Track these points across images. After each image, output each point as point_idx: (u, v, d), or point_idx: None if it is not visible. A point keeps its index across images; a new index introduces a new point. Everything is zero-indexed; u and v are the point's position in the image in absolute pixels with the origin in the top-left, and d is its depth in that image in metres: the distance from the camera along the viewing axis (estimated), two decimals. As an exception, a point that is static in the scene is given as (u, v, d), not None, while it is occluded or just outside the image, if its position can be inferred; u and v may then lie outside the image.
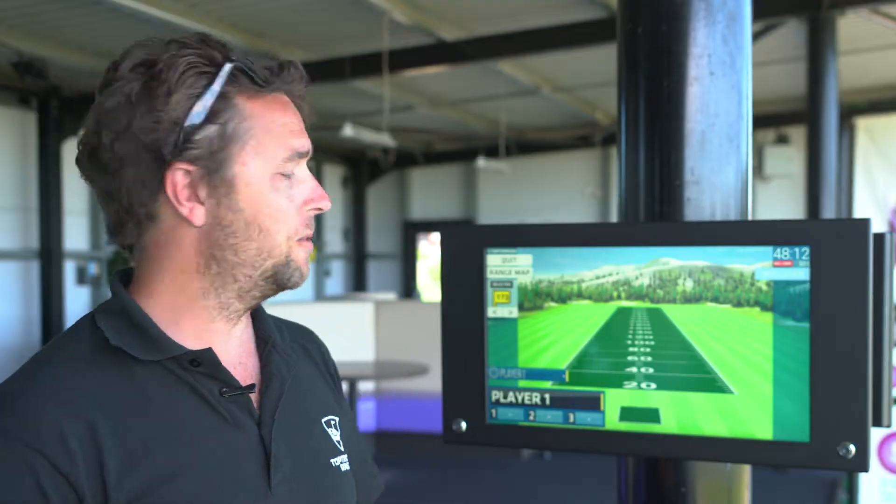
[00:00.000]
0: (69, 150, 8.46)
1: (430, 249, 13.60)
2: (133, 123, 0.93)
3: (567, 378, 1.35)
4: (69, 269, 8.73)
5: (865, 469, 1.20)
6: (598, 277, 1.32)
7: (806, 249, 1.21)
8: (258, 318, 1.09)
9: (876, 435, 3.50)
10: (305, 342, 1.18)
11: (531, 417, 1.37)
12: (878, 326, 1.26)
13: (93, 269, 9.04)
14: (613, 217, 11.28)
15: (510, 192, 11.90)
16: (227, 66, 0.96)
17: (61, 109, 8.19)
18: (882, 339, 1.28)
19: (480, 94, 9.15)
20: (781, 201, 10.31)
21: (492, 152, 10.91)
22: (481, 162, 9.85)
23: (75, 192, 8.74)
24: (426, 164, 12.43)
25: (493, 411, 1.39)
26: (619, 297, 1.31)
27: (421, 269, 13.65)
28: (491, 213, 12.16)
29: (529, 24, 6.47)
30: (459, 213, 12.57)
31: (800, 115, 8.32)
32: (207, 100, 0.94)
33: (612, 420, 1.33)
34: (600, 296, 1.32)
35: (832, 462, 1.21)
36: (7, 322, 8.25)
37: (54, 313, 8.31)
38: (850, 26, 7.00)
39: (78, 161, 0.99)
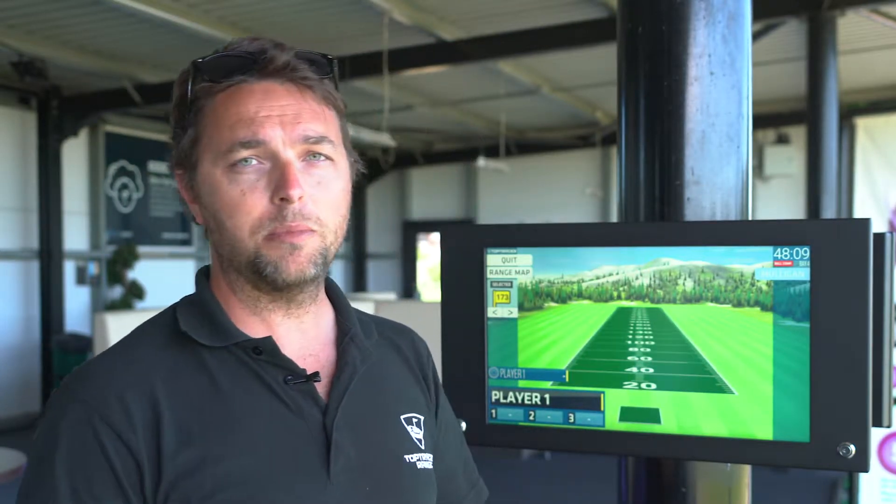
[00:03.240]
0: (69, 150, 8.48)
1: (430, 249, 13.59)
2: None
3: (567, 378, 1.35)
4: (69, 269, 8.74)
5: (865, 469, 1.20)
6: (598, 277, 1.32)
7: (806, 249, 1.21)
8: (340, 311, 1.12)
9: (876, 435, 3.50)
10: (398, 339, 1.20)
11: (531, 417, 1.37)
12: (878, 326, 1.26)
13: (93, 268, 9.04)
14: (613, 217, 11.28)
15: (510, 192, 11.90)
16: (192, 71, 1.01)
17: (61, 109, 8.19)
18: (882, 339, 1.28)
19: (480, 94, 9.15)
20: (781, 201, 10.30)
21: (492, 152, 10.90)
22: (481, 162, 9.84)
23: (75, 192, 8.75)
24: (426, 164, 12.43)
25: (493, 411, 1.39)
26: (619, 297, 1.31)
27: (421, 269, 13.65)
28: (491, 213, 12.16)
29: (529, 24, 6.47)
30: (459, 213, 12.57)
31: (800, 115, 8.31)
32: (182, 106, 1.02)
33: (612, 420, 1.33)
34: (600, 296, 1.32)
35: (832, 462, 1.21)
36: (7, 322, 8.25)
37: (54, 313, 8.31)
38: (850, 26, 7.00)
39: None
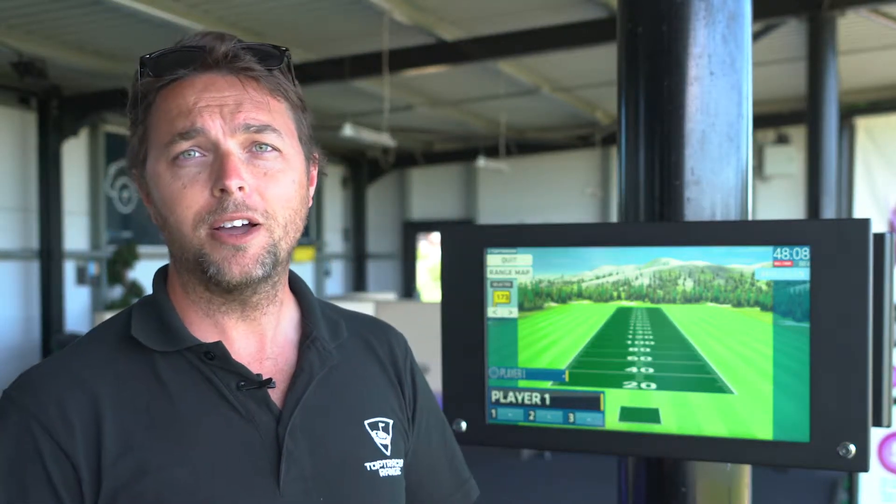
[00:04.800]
0: (69, 150, 8.48)
1: (430, 249, 13.59)
2: None
3: (567, 378, 1.35)
4: (69, 269, 8.73)
5: (865, 469, 1.20)
6: (598, 277, 1.32)
7: (806, 249, 1.21)
8: (304, 311, 1.08)
9: (876, 435, 3.50)
10: (373, 338, 1.15)
11: (531, 417, 1.37)
12: (878, 326, 1.26)
13: (93, 269, 9.04)
14: (613, 217, 11.28)
15: (510, 192, 11.90)
16: (139, 70, 0.99)
17: (61, 109, 8.19)
18: (882, 339, 1.28)
19: (480, 94, 9.14)
20: (781, 201, 10.30)
21: (492, 152, 10.90)
22: (481, 162, 9.85)
23: (75, 192, 8.75)
24: (426, 164, 12.44)
25: (493, 411, 1.39)
26: (619, 297, 1.31)
27: (421, 269, 13.65)
28: (491, 213, 12.16)
29: (529, 24, 6.47)
30: (459, 213, 12.57)
31: (800, 115, 8.31)
32: (134, 104, 1.01)
33: (612, 420, 1.33)
34: (600, 296, 1.32)
35: (832, 462, 1.21)
36: (7, 322, 8.24)
37: (54, 313, 8.31)
38: (850, 26, 7.00)
39: None
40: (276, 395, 1.00)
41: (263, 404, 0.99)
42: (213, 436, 0.96)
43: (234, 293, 0.98)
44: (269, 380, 0.99)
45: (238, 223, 0.95)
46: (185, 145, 0.95)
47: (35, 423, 0.92)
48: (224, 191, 0.93)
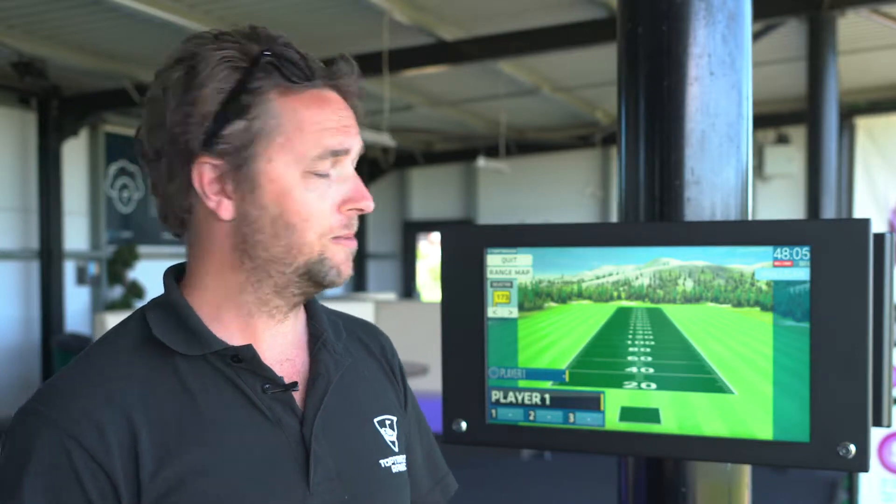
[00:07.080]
0: (69, 150, 8.48)
1: (430, 249, 13.59)
2: (166, 116, 0.95)
3: (567, 378, 1.35)
4: (69, 269, 8.73)
5: (865, 469, 1.20)
6: (598, 277, 1.32)
7: (806, 249, 1.21)
8: (311, 313, 1.09)
9: (876, 435, 3.50)
10: (366, 338, 1.18)
11: (531, 417, 1.37)
12: (878, 326, 1.26)
13: (93, 269, 9.04)
14: (613, 217, 11.28)
15: (510, 192, 11.90)
16: (261, 62, 0.97)
17: (61, 109, 8.18)
18: (882, 339, 1.28)
19: (480, 94, 9.14)
20: (781, 201, 10.30)
21: (492, 152, 10.90)
22: (481, 162, 9.84)
23: (75, 192, 8.75)
24: (426, 164, 12.44)
25: (493, 411, 1.39)
26: (619, 297, 1.31)
27: (421, 269, 13.65)
28: (491, 213, 12.16)
29: (529, 24, 6.47)
30: (459, 213, 12.57)
31: (800, 115, 8.32)
32: (238, 95, 0.95)
33: (612, 420, 1.33)
34: (600, 296, 1.32)
35: (832, 462, 1.21)
36: (7, 322, 8.25)
37: (54, 313, 8.31)
38: (850, 26, 7.00)
39: (135, 150, 1.04)
40: (295, 396, 1.02)
41: (287, 407, 1.00)
42: (243, 441, 0.96)
43: (314, 291, 1.03)
44: (294, 383, 1.01)
45: None
46: (333, 161, 0.98)
47: (69, 439, 0.90)
48: (359, 210, 1.00)
